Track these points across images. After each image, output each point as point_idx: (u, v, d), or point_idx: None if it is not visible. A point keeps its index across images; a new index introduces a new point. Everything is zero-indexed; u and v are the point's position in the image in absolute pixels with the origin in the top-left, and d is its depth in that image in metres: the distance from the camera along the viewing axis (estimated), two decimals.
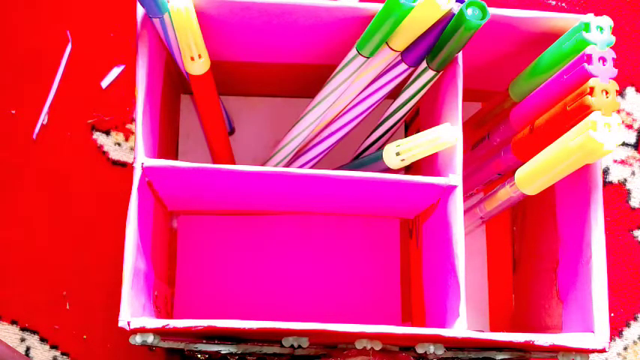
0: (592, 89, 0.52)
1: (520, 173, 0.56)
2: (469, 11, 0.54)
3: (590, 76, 0.52)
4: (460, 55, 0.57)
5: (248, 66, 0.63)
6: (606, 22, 0.54)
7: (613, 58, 0.53)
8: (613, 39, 0.54)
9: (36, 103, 0.68)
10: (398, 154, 0.58)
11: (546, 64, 0.56)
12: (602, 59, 0.53)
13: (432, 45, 0.57)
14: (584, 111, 0.52)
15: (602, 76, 0.52)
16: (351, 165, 0.63)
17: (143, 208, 0.56)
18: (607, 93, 0.52)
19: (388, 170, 0.59)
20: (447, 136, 0.56)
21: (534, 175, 0.55)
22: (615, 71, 0.53)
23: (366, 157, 0.62)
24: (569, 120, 0.53)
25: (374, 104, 0.61)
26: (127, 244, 0.54)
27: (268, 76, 0.62)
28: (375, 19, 0.55)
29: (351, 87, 0.59)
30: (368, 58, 0.57)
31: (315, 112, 0.61)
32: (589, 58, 0.53)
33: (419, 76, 0.59)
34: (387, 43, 0.57)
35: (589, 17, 0.54)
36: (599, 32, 0.54)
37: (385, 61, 0.58)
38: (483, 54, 0.61)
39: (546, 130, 0.55)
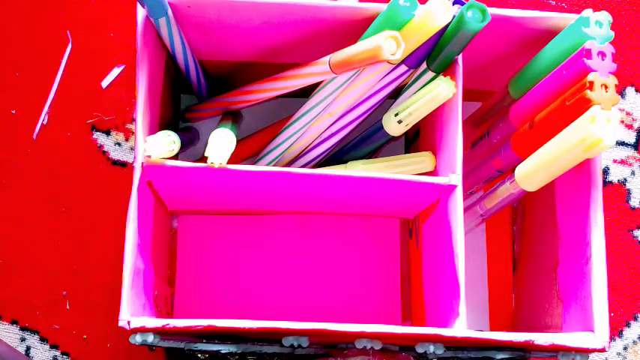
0: (591, 84, 0.52)
1: (520, 170, 0.56)
2: (469, 14, 0.54)
3: (590, 70, 0.52)
4: (460, 56, 0.57)
5: (248, 66, 0.63)
6: (605, 17, 0.54)
7: (612, 53, 0.53)
8: (612, 34, 0.54)
9: (36, 103, 0.68)
10: (399, 121, 0.58)
11: (545, 61, 0.56)
12: (602, 54, 0.53)
13: (433, 47, 0.57)
14: (583, 105, 0.52)
15: (602, 70, 0.52)
16: (353, 142, 0.63)
17: (143, 208, 0.56)
18: (606, 87, 0.52)
19: (390, 139, 0.59)
20: (443, 91, 0.56)
21: (534, 171, 0.55)
22: (614, 66, 0.52)
23: (366, 131, 0.62)
24: (568, 115, 0.53)
25: (374, 105, 0.61)
26: (127, 244, 0.54)
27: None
28: (372, 29, 0.55)
29: (342, 97, 0.59)
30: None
31: (305, 118, 0.61)
32: (588, 53, 0.53)
33: (419, 77, 0.59)
34: None
35: (588, 12, 0.54)
36: (597, 27, 0.54)
37: (380, 71, 0.58)
38: (483, 54, 0.61)
39: (546, 125, 0.55)
